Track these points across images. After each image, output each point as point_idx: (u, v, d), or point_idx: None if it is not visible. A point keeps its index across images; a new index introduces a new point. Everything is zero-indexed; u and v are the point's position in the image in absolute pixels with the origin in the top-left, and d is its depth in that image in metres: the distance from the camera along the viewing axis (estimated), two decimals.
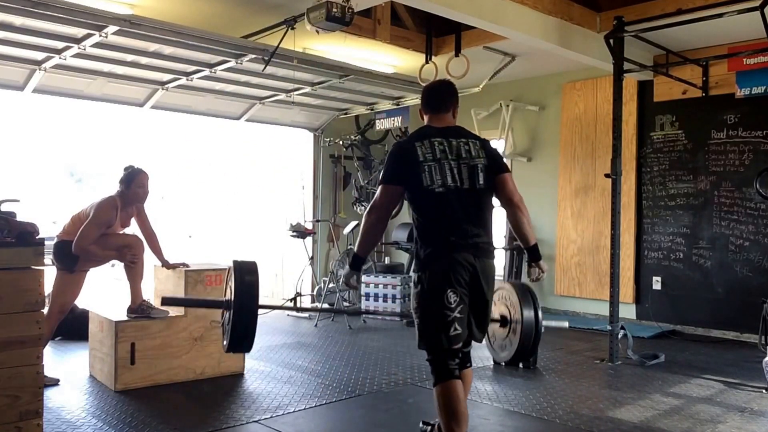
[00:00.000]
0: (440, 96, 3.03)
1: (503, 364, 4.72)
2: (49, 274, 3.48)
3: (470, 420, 3.69)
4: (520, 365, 4.85)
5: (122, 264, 4.48)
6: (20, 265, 2.84)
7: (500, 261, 7.94)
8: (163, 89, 6.56)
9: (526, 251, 3.01)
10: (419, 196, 2.84)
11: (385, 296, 7.21)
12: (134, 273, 4.43)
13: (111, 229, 4.39)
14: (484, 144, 2.93)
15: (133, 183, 4.47)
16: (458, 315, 2.70)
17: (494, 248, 2.90)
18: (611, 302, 5.21)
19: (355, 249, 2.96)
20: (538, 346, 3.52)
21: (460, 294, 2.70)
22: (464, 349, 2.82)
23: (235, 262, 2.95)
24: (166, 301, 3.13)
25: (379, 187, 2.87)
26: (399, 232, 8.04)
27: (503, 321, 3.58)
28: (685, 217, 6.49)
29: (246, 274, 2.88)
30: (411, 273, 2.84)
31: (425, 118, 3.05)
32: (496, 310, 3.60)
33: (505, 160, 7.92)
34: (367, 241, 2.91)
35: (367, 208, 2.89)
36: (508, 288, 3.60)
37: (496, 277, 2.88)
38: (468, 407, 3.87)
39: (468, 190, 2.80)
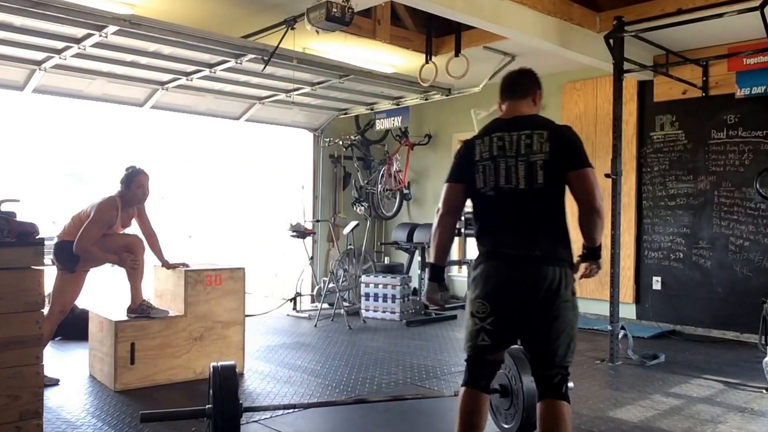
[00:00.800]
0: (516, 80, 2.74)
1: None
2: (49, 274, 3.48)
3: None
4: None
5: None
6: (20, 265, 2.83)
7: None
8: (163, 89, 6.55)
9: (589, 249, 2.66)
10: (474, 198, 2.66)
11: (384, 296, 7.20)
12: (134, 274, 4.43)
13: (111, 229, 4.39)
14: (554, 134, 2.53)
15: (133, 183, 4.47)
16: (488, 326, 2.54)
17: (557, 255, 2.51)
18: (611, 302, 5.21)
19: (431, 258, 2.76)
20: None
21: (490, 306, 2.53)
22: (543, 371, 2.54)
23: (214, 368, 2.95)
24: (146, 417, 2.94)
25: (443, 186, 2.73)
26: (399, 232, 8.05)
27: (504, 391, 3.34)
28: (685, 217, 6.49)
29: (224, 383, 2.88)
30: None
31: (501, 108, 2.76)
32: (496, 380, 3.29)
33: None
34: (436, 246, 2.71)
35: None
36: (504, 355, 3.29)
37: (558, 288, 2.47)
38: None
39: (524, 192, 2.51)
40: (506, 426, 3.38)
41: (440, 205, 2.70)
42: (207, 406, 2.94)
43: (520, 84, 2.73)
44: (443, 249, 2.72)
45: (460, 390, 2.65)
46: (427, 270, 2.81)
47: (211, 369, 2.98)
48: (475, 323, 2.57)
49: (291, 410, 3.82)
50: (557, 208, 2.55)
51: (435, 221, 2.71)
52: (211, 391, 2.94)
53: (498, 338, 2.57)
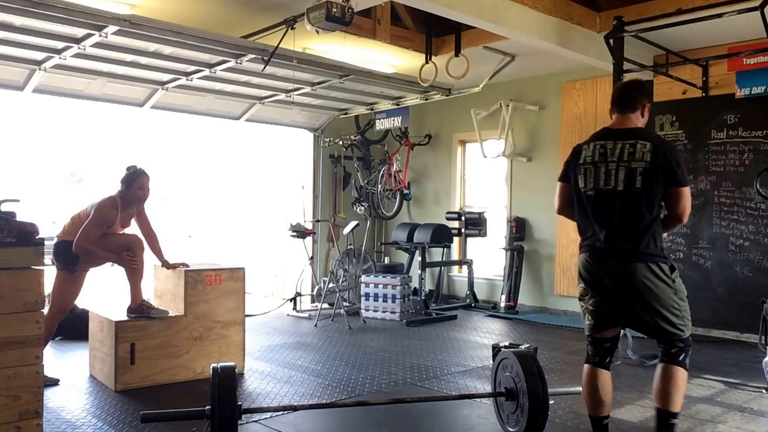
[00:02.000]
0: (625, 94, 3.07)
1: None
2: (49, 274, 3.48)
3: (469, 420, 3.71)
4: None
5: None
6: (20, 265, 2.84)
7: (500, 261, 7.95)
8: (163, 89, 6.55)
9: None
10: (576, 196, 3.07)
11: (384, 296, 7.20)
12: (134, 273, 4.43)
13: (111, 229, 4.39)
14: (658, 147, 2.86)
15: (134, 184, 4.47)
16: (590, 307, 3.00)
17: (646, 250, 2.85)
18: None
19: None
20: (546, 420, 3.22)
21: (590, 290, 2.99)
22: (661, 344, 2.91)
23: (214, 369, 2.99)
24: (146, 417, 3.00)
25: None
26: (399, 232, 8.05)
27: (509, 394, 3.36)
28: None
29: (223, 385, 2.92)
30: None
31: (612, 117, 3.10)
32: (502, 382, 3.44)
33: (503, 160, 7.80)
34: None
35: None
36: (510, 356, 3.36)
37: (648, 277, 2.83)
38: (468, 407, 3.89)
39: (622, 192, 2.88)
40: (511, 429, 3.36)
41: (555, 201, 3.24)
42: (207, 407, 2.96)
43: (629, 98, 3.05)
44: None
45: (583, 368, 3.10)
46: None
47: (212, 370, 3.01)
48: (581, 306, 3.07)
49: (291, 410, 3.82)
50: (650, 209, 2.88)
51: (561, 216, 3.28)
52: (210, 393, 2.96)
53: (600, 318, 2.99)
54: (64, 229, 4.38)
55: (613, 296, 2.92)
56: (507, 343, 3.70)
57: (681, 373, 2.87)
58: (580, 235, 3.09)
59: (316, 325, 6.73)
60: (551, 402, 3.30)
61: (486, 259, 8.45)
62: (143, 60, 5.68)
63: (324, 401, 4.05)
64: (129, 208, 4.54)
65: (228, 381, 2.94)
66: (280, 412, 3.76)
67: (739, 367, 5.02)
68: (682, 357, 2.88)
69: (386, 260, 8.94)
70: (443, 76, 6.39)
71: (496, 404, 3.56)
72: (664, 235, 3.02)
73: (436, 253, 8.36)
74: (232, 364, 3.08)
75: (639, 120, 3.04)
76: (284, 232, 7.41)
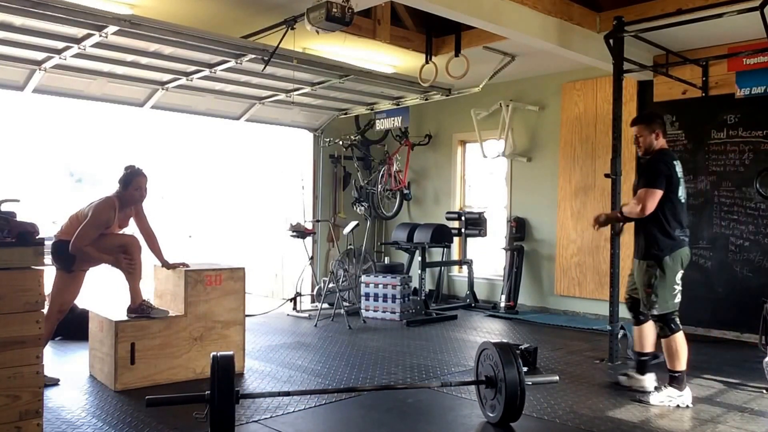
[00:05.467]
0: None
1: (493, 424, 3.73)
2: (49, 274, 3.48)
3: (469, 419, 3.71)
4: None
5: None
6: (20, 265, 2.84)
7: (500, 261, 7.95)
8: (163, 89, 6.55)
9: None
10: (674, 200, 4.16)
11: (384, 296, 7.20)
12: (131, 274, 4.42)
13: (109, 229, 4.39)
14: None
15: (131, 185, 4.48)
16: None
17: None
18: (611, 302, 5.21)
19: None
20: (524, 405, 3.44)
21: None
22: None
23: (213, 357, 3.17)
24: (151, 402, 3.17)
25: None
26: (399, 232, 8.05)
27: (489, 382, 3.57)
28: None
29: (221, 369, 3.10)
30: None
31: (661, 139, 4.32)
32: (482, 371, 3.66)
33: (503, 160, 7.87)
34: None
35: None
36: (490, 347, 3.56)
37: None
38: (468, 407, 3.90)
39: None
40: (491, 414, 3.56)
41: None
42: (207, 392, 3.11)
43: None
44: None
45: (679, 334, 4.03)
46: None
47: (211, 358, 3.19)
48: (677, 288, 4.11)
49: (291, 411, 3.83)
50: None
51: None
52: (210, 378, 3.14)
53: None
54: (62, 229, 4.38)
55: None
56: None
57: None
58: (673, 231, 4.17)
59: (316, 325, 6.73)
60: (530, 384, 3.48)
61: (486, 259, 8.45)
62: (143, 60, 5.68)
63: (323, 401, 4.05)
64: (126, 208, 4.54)
65: (226, 367, 3.11)
66: (281, 412, 3.77)
67: (739, 367, 5.02)
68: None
69: (386, 260, 8.94)
70: (443, 76, 6.39)
71: (478, 393, 3.71)
72: None
73: (436, 253, 8.36)
74: (231, 352, 3.24)
75: None
76: (284, 232, 7.41)
